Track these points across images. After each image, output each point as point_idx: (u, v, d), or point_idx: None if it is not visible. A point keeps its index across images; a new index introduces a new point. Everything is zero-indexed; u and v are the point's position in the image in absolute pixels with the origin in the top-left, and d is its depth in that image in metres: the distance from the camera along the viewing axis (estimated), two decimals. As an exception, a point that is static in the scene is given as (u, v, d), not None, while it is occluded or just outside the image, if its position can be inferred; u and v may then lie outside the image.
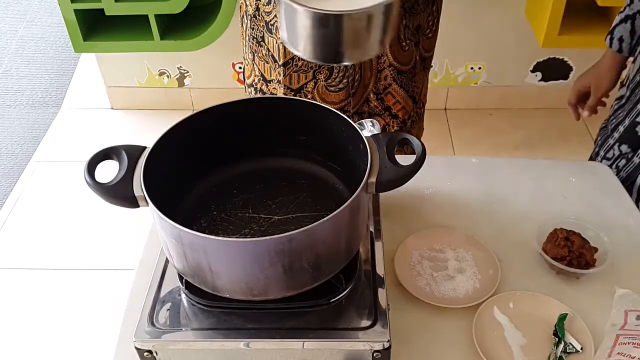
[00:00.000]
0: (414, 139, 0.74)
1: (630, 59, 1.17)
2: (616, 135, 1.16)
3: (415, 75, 1.13)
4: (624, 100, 1.18)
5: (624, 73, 1.20)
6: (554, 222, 0.93)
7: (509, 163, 1.14)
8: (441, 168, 1.09)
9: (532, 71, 2.52)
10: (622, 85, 1.20)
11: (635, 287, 0.85)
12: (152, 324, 0.72)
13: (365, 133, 0.75)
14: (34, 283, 2.00)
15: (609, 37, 1.17)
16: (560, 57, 2.46)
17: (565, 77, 2.53)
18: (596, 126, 1.28)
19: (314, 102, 0.87)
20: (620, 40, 1.14)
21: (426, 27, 1.08)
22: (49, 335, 1.83)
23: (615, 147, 1.15)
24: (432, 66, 1.18)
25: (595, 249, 0.89)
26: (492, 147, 2.48)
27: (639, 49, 1.13)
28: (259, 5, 1.04)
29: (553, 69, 2.50)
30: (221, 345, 0.71)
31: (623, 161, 1.12)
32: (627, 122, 1.13)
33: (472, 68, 2.51)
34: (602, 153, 1.20)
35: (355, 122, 0.77)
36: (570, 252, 0.88)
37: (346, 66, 1.05)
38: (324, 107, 0.79)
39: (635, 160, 1.09)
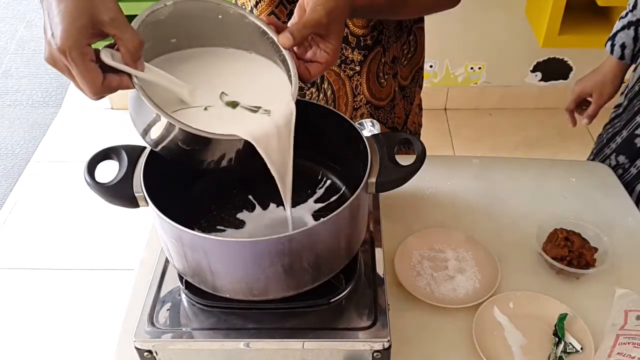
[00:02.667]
0: (414, 139, 0.74)
1: (632, 66, 1.16)
2: (613, 145, 1.15)
3: (394, 107, 1.10)
4: (621, 109, 1.17)
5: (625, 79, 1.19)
6: (554, 222, 0.93)
7: (509, 163, 1.14)
8: (441, 168, 1.09)
9: (532, 71, 2.52)
10: (621, 93, 1.19)
11: (635, 287, 0.85)
12: (152, 324, 0.72)
13: (365, 133, 0.75)
14: (34, 283, 2.00)
15: (609, 43, 1.16)
16: (560, 57, 2.46)
17: (565, 77, 2.53)
18: (597, 126, 1.28)
19: (315, 102, 0.87)
20: (623, 47, 1.13)
21: (401, 56, 1.06)
22: (49, 335, 1.83)
23: (612, 157, 1.14)
24: (414, 95, 1.16)
25: (595, 249, 0.89)
26: (492, 147, 2.48)
27: None
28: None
29: (553, 69, 2.50)
30: (221, 345, 0.71)
31: (620, 171, 1.11)
32: (624, 133, 1.12)
33: (472, 68, 2.51)
34: (597, 161, 1.19)
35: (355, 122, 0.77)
36: (570, 252, 0.88)
37: (318, 94, 1.04)
38: (324, 107, 0.79)
39: (633, 170, 1.09)
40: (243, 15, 0.68)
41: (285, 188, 0.69)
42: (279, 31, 0.70)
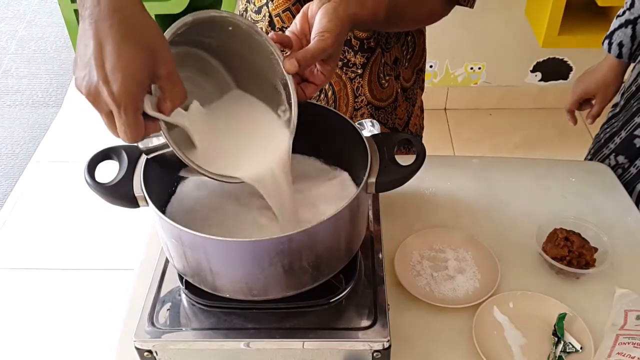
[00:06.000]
0: (414, 139, 0.74)
1: (631, 65, 1.16)
2: (612, 145, 1.15)
3: (396, 109, 1.10)
4: (618, 109, 1.17)
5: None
6: (554, 222, 0.93)
7: (509, 163, 1.14)
8: (441, 168, 1.09)
9: (532, 71, 2.52)
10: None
11: (635, 287, 0.85)
12: (152, 324, 0.72)
13: (365, 133, 0.75)
14: (34, 283, 2.00)
15: (606, 41, 1.15)
16: (560, 57, 2.46)
17: (565, 77, 2.53)
18: (597, 126, 1.28)
19: (315, 102, 0.87)
20: (620, 45, 1.13)
21: (402, 57, 1.06)
22: (49, 335, 1.84)
23: (612, 157, 1.14)
24: (416, 97, 1.16)
25: (595, 249, 0.89)
26: (492, 147, 2.49)
27: None
28: (248, 8, 1.03)
29: (553, 69, 2.50)
30: (221, 345, 0.71)
31: (619, 171, 1.11)
32: (623, 133, 1.12)
33: (472, 68, 2.52)
34: (596, 161, 1.19)
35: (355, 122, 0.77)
36: (570, 252, 0.88)
37: (319, 95, 1.04)
38: (324, 107, 0.79)
39: (632, 170, 1.09)
40: (253, 32, 0.68)
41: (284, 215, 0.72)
42: (284, 44, 0.71)
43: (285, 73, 0.69)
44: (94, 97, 0.54)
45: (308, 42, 0.72)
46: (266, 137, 0.72)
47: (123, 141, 0.58)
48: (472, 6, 0.90)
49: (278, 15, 0.96)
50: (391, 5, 0.79)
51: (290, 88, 0.70)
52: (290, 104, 0.71)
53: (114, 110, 0.54)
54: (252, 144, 0.71)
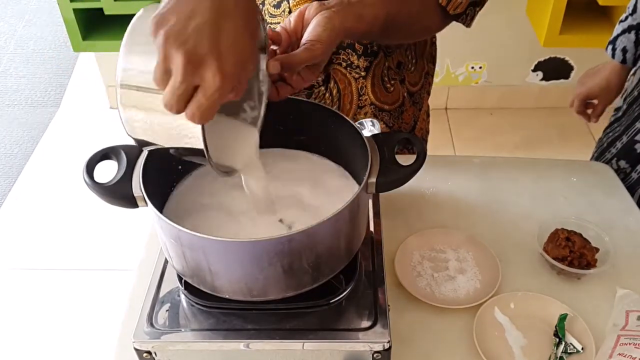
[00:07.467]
0: (414, 138, 0.74)
1: (632, 70, 1.16)
2: (613, 150, 1.15)
3: (403, 113, 1.09)
4: (620, 113, 1.17)
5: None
6: (555, 222, 0.93)
7: (510, 163, 1.14)
8: (441, 168, 1.09)
9: (533, 70, 2.52)
10: (620, 96, 1.20)
11: (636, 287, 0.85)
12: (151, 324, 0.72)
13: (365, 133, 0.75)
14: (34, 283, 2.00)
15: (610, 47, 1.15)
16: (561, 57, 2.46)
17: (567, 77, 2.53)
18: (597, 126, 1.28)
19: (314, 102, 0.86)
20: (624, 51, 1.13)
21: (407, 62, 1.06)
22: (49, 335, 1.83)
23: (613, 161, 1.14)
24: (422, 101, 1.16)
25: (597, 249, 0.89)
26: (493, 146, 2.48)
27: None
28: (265, 2, 1.02)
29: (554, 69, 2.50)
30: (220, 346, 0.70)
31: (621, 175, 1.11)
32: (624, 138, 1.12)
33: (472, 67, 2.51)
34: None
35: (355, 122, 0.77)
36: (572, 252, 0.87)
37: (324, 94, 1.04)
38: (324, 107, 0.79)
39: (634, 175, 1.09)
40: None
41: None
42: (274, 41, 0.71)
43: (264, 70, 0.68)
44: (193, 66, 0.50)
45: (298, 40, 0.72)
46: (238, 140, 0.72)
47: (187, 118, 0.53)
48: (469, 25, 0.90)
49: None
50: (387, 20, 0.79)
51: (264, 82, 0.69)
52: (260, 102, 0.71)
53: (208, 88, 0.51)
54: (230, 145, 0.72)
